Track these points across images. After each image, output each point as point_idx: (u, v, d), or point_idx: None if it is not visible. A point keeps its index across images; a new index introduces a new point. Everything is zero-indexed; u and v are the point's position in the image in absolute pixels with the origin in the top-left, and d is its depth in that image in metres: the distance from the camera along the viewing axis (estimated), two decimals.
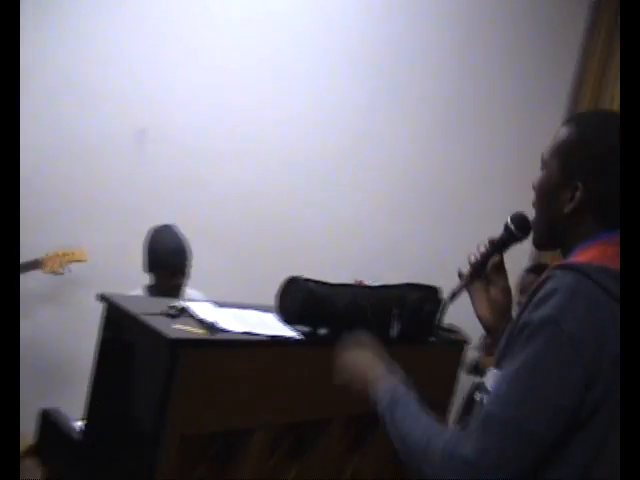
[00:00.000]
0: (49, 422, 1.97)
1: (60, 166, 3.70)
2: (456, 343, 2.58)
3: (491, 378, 1.36)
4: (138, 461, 1.70)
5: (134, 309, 1.75)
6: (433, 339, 2.38)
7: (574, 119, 1.46)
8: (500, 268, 1.64)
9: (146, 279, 3.36)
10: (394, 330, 2.21)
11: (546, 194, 1.41)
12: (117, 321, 1.79)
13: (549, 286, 1.24)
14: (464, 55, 4.15)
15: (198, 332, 1.72)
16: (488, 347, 3.93)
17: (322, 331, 2.08)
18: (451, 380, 2.61)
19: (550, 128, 4.15)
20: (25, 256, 3.15)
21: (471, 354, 3.37)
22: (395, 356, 2.26)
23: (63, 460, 1.93)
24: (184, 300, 1.95)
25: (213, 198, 3.86)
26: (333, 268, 3.62)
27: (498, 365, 1.34)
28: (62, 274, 3.45)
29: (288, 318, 2.02)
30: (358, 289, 2.25)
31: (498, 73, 4.17)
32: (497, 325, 1.60)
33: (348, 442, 2.27)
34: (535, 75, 4.16)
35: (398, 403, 1.42)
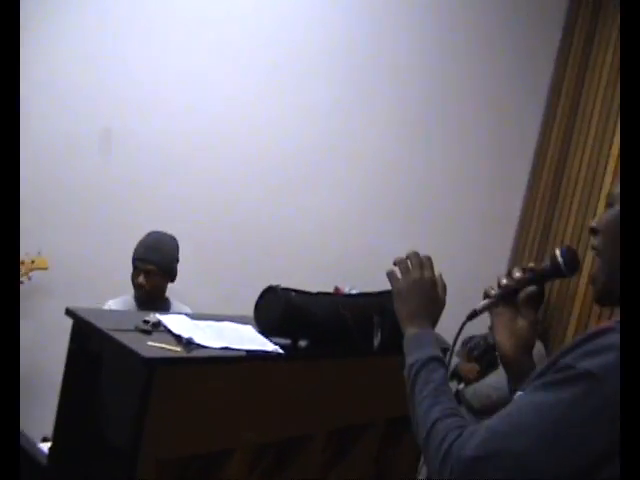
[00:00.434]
0: None
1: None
2: None
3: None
4: None
5: (105, 325, 1.64)
6: None
7: None
8: (534, 301, 1.51)
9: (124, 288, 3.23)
10: (377, 340, 2.13)
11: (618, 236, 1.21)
12: (87, 338, 1.68)
13: (607, 341, 1.12)
14: (443, 55, 4.10)
15: (174, 349, 1.62)
16: (468, 352, 3.89)
17: (302, 343, 1.99)
18: None
19: (527, 129, 4.14)
20: None
21: (452, 360, 3.32)
22: (377, 365, 2.22)
23: None
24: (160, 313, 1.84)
25: (183, 201, 3.75)
26: (312, 270, 3.56)
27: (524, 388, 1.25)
28: (22, 283, 3.28)
29: (267, 330, 1.93)
30: (338, 298, 2.17)
31: (477, 73, 4.13)
32: (514, 357, 1.49)
33: (330, 455, 2.19)
34: (514, 76, 4.13)
35: (428, 382, 1.34)
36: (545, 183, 4.04)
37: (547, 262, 1.46)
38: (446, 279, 1.56)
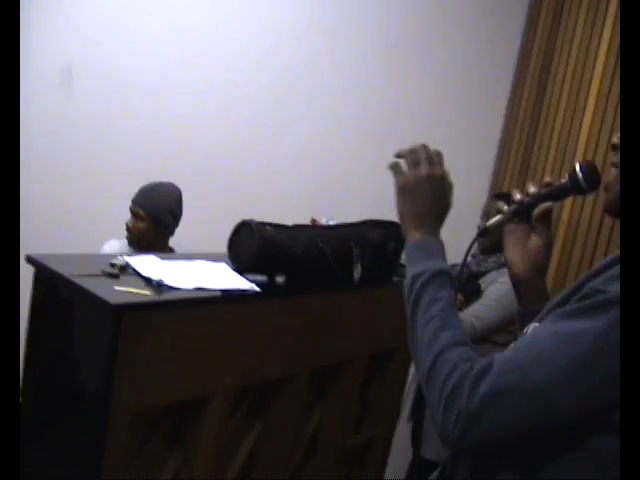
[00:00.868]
0: None
1: None
2: None
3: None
4: (84, 441, 1.51)
5: (69, 270, 1.53)
6: (397, 279, 2.21)
7: None
8: (549, 219, 1.39)
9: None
10: (357, 272, 2.05)
11: None
12: (50, 285, 1.57)
13: None
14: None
15: (143, 293, 1.52)
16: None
17: (280, 279, 1.90)
18: None
19: (505, 53, 3.97)
20: None
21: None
22: (358, 300, 2.14)
23: None
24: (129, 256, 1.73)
25: (146, 135, 3.58)
26: (287, 204, 3.43)
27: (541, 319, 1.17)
28: None
29: (242, 267, 1.83)
30: (316, 230, 2.07)
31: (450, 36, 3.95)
32: (526, 277, 1.39)
33: (312, 395, 2.13)
34: (484, 41, 3.96)
35: (436, 300, 1.19)
36: (525, 109, 3.92)
37: (566, 178, 1.35)
38: None
